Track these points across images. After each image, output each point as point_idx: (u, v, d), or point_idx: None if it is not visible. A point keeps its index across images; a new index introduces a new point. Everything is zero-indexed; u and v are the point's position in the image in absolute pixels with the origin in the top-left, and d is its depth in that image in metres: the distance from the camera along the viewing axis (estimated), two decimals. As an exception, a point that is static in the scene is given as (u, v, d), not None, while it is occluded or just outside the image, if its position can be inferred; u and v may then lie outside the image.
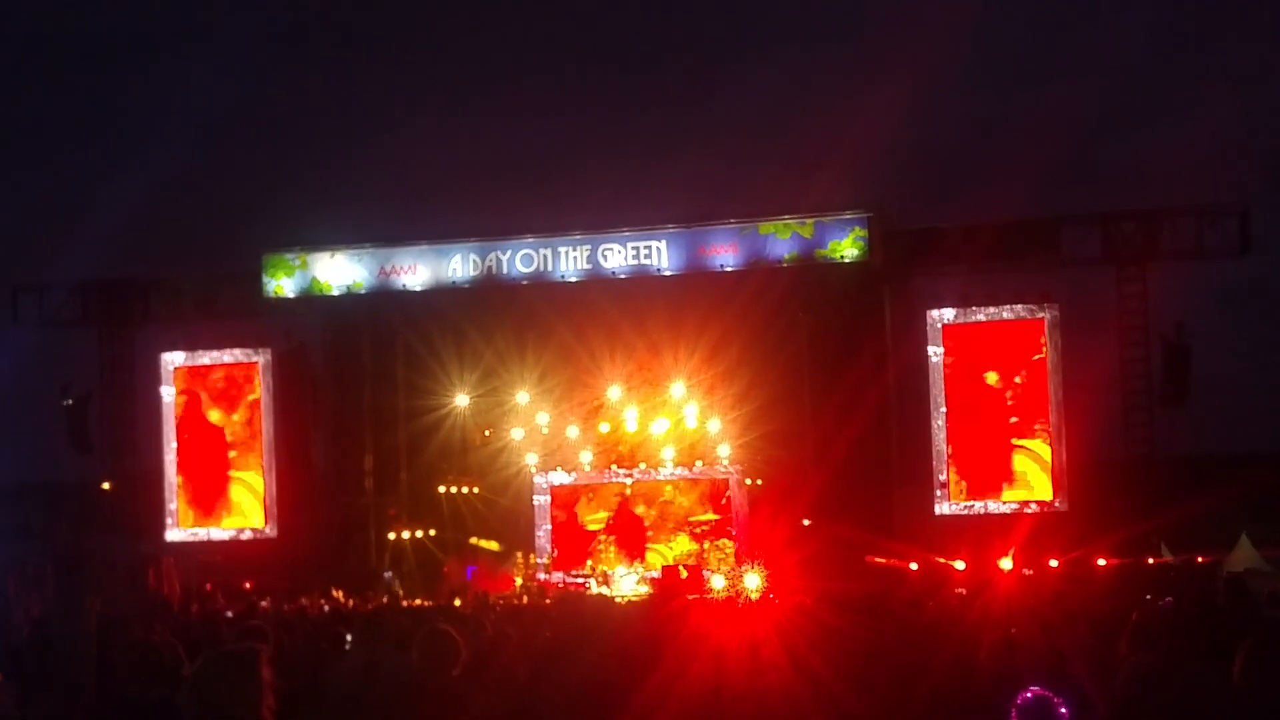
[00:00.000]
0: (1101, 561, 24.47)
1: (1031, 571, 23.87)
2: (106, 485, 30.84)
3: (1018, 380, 27.73)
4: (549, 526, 29.78)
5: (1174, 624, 7.18)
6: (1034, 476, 27.60)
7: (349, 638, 10.73)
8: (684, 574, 26.18)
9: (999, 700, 5.78)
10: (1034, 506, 27.29)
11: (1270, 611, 10.32)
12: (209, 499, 30.11)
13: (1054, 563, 24.67)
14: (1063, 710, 5.36)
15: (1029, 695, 5.45)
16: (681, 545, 28.96)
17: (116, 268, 31.45)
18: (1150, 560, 25.09)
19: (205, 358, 30.38)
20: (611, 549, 29.17)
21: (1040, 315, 27.80)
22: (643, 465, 29.78)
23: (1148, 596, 13.85)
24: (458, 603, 23.60)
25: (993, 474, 27.76)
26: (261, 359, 30.17)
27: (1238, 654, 5.89)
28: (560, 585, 27.49)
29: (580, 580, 27.98)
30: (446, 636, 6.51)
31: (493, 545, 29.57)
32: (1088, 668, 7.56)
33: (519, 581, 27.78)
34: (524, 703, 6.81)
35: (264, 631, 7.46)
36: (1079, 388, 27.56)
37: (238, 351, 30.36)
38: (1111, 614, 11.29)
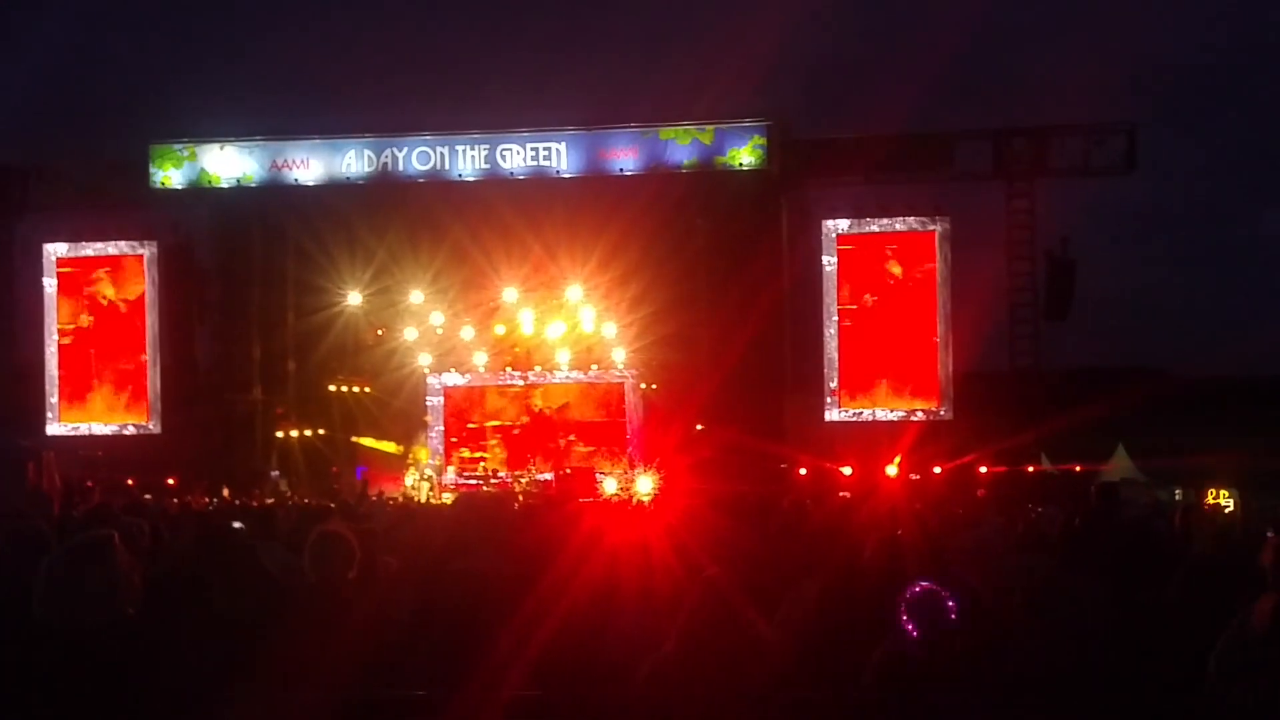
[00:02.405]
0: (984, 469, 25.10)
1: (918, 477, 24.43)
2: (-15, 377, 30.04)
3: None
4: (441, 427, 29.77)
5: (1063, 533, 7.37)
6: (920, 385, 28.12)
7: (237, 525, 10.60)
8: (566, 472, 26.42)
9: (886, 597, 5.90)
10: (920, 415, 27.85)
11: (1148, 521, 10.64)
12: (86, 392, 29.59)
13: (938, 469, 25.25)
14: (950, 603, 5.49)
15: (917, 589, 5.57)
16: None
17: (-4, 153, 30.35)
18: (1031, 469, 25.80)
19: (89, 249, 29.69)
20: (502, 452, 29.33)
21: (932, 227, 28.17)
22: (538, 368, 29.81)
23: (1029, 505, 14.26)
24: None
25: (880, 382, 28.24)
26: (147, 251, 29.52)
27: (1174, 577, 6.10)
28: (453, 486, 27.56)
29: (474, 481, 28.06)
30: (341, 539, 6.37)
31: (390, 447, 29.45)
32: (970, 567, 7.76)
33: (409, 482, 27.77)
34: (415, 603, 6.80)
35: (141, 527, 7.27)
36: (967, 299, 28.06)
37: (122, 243, 29.69)
38: (991, 519, 11.59)
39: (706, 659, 5.08)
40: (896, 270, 28.14)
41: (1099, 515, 10.07)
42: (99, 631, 4.31)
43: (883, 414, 28.10)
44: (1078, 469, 25.50)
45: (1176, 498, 22.55)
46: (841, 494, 15.50)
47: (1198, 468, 25.89)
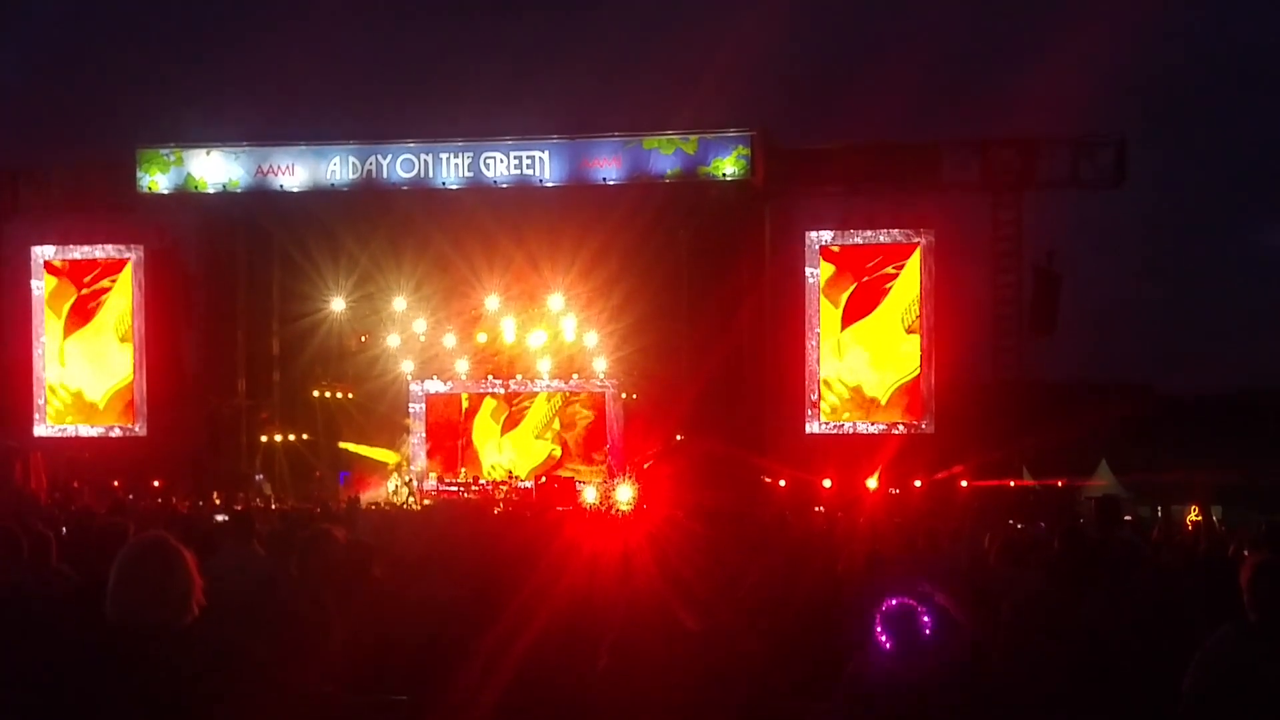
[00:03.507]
0: (965, 483, 25.11)
1: (898, 491, 24.44)
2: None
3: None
4: (424, 434, 29.76)
5: (1050, 548, 7.36)
6: (901, 398, 28.11)
7: (220, 518, 10.61)
8: (544, 481, 26.42)
9: (862, 611, 5.91)
10: (901, 428, 27.85)
11: (1127, 535, 10.62)
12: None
13: (918, 483, 25.27)
14: (925, 619, 5.49)
15: (893, 603, 5.57)
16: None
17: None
18: (1012, 483, 25.80)
19: (76, 252, 29.86)
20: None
21: (916, 240, 28.19)
22: (519, 376, 29.79)
23: (1010, 521, 14.24)
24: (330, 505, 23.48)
25: (861, 394, 28.24)
26: (134, 255, 29.71)
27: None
28: (434, 493, 27.53)
29: (454, 488, 28.03)
30: (330, 540, 6.27)
31: (378, 453, 29.35)
32: (948, 584, 7.78)
33: (391, 488, 27.75)
34: (393, 613, 6.79)
35: (124, 527, 7.25)
36: (951, 312, 28.04)
37: (110, 247, 29.87)
38: (973, 535, 11.61)
39: (636, 664, 5.08)
40: (879, 283, 28.13)
41: (1096, 529, 10.07)
42: (180, 631, 4.33)
43: (864, 427, 28.08)
44: (1060, 484, 25.50)
45: (1159, 514, 22.63)
46: (816, 509, 15.48)
47: (1182, 484, 25.99)
